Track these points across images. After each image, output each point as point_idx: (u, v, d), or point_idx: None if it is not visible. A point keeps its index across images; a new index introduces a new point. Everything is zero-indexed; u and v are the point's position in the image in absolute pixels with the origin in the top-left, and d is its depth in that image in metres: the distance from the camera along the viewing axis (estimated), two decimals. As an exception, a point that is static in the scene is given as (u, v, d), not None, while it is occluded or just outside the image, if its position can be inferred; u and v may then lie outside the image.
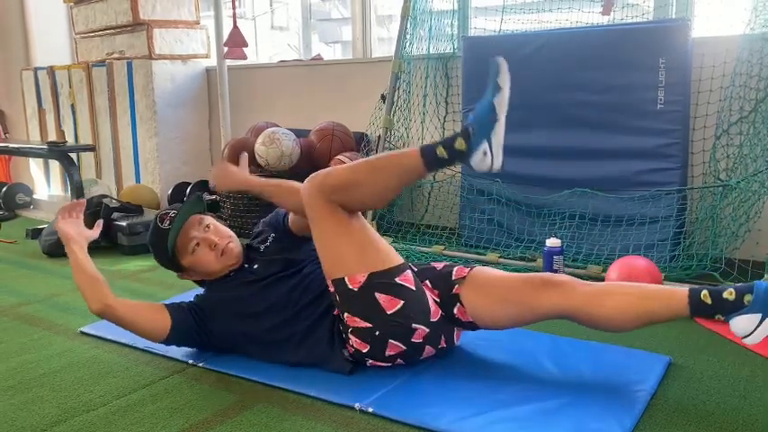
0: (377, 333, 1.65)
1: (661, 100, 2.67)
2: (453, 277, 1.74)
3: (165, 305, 1.84)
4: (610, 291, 1.62)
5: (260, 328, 1.81)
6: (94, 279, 1.77)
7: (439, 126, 3.45)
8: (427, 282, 1.75)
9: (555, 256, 2.52)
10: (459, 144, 1.64)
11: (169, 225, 1.85)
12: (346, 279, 1.66)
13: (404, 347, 1.67)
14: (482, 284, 1.71)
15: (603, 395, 1.58)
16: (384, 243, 1.75)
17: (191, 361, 1.86)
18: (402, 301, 1.64)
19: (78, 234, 1.87)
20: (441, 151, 1.63)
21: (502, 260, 2.80)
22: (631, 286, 1.64)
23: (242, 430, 1.50)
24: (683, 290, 1.54)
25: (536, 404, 1.55)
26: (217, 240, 1.88)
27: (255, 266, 1.91)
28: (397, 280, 1.66)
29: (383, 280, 1.64)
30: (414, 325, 1.65)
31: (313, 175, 1.74)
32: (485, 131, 1.70)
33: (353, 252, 1.67)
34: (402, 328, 1.65)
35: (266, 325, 1.81)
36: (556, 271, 2.52)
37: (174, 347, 1.89)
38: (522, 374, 1.72)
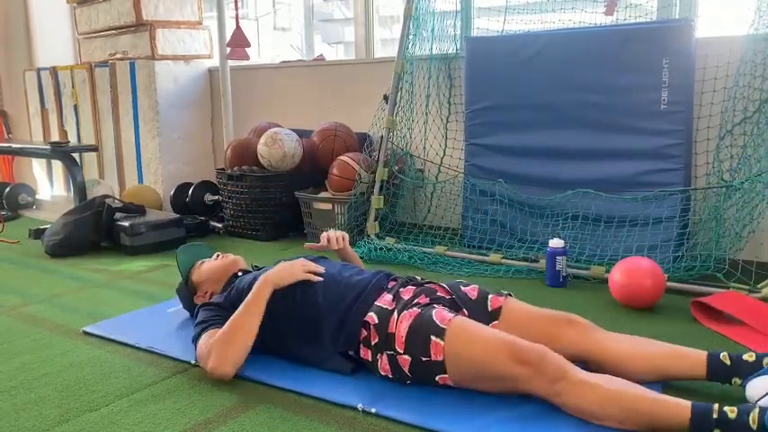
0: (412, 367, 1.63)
1: (664, 100, 2.66)
2: (490, 308, 1.75)
3: (213, 327, 1.82)
4: (628, 345, 1.64)
5: (271, 313, 1.80)
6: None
7: (442, 126, 3.44)
8: (465, 310, 1.74)
9: (558, 257, 2.52)
10: None
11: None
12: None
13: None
14: (515, 321, 1.71)
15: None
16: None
17: (193, 361, 1.86)
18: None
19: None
20: None
21: (505, 261, 2.79)
22: (651, 343, 1.65)
23: (244, 431, 1.50)
24: (701, 351, 1.56)
25: (540, 404, 1.54)
26: (220, 254, 2.18)
27: (265, 267, 2.03)
28: None
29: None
30: None
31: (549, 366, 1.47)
32: None
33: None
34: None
35: (277, 312, 1.80)
36: (558, 272, 2.52)
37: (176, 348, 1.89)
38: None
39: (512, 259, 2.80)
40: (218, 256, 2.18)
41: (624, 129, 2.75)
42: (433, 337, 1.56)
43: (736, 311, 2.06)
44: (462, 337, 1.54)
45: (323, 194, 3.39)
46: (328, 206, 3.32)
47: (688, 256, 2.56)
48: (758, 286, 2.28)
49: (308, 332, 1.78)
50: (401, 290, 1.76)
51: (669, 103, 2.66)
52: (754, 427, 1.25)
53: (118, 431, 1.51)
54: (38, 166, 5.21)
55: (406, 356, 1.60)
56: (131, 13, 4.11)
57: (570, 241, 2.73)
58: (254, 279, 1.87)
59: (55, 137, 4.81)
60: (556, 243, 2.53)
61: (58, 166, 4.88)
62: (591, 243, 2.74)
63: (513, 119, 3.05)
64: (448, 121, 3.44)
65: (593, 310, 2.26)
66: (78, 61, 4.85)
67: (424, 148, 3.47)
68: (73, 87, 4.65)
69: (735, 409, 1.29)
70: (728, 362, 1.51)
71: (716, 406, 1.31)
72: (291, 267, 1.84)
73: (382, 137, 3.32)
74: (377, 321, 1.66)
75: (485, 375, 1.52)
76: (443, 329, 1.56)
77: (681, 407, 1.34)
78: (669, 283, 2.39)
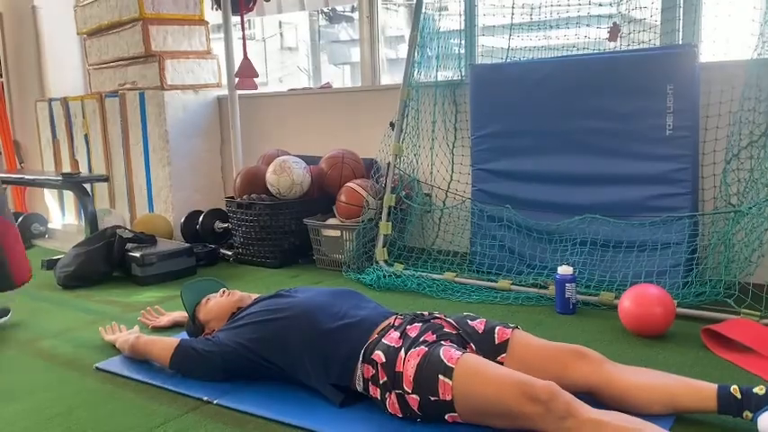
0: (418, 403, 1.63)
1: (670, 126, 2.67)
2: (497, 341, 1.75)
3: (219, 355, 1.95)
4: (638, 378, 1.64)
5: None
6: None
7: (448, 152, 3.46)
8: (472, 345, 1.75)
9: (567, 284, 2.52)
10: None
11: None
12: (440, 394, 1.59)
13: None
14: (523, 355, 1.71)
15: None
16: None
17: (206, 398, 1.87)
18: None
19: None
20: None
21: (514, 287, 2.80)
22: (661, 376, 1.66)
23: (257, 471, 1.50)
24: (711, 385, 1.57)
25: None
26: (226, 290, 2.22)
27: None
28: None
29: None
30: None
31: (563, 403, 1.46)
32: None
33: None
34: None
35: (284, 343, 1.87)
36: (568, 299, 2.52)
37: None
38: None
39: (521, 285, 2.80)
40: (223, 292, 2.20)
41: (630, 154, 2.77)
42: (441, 377, 1.56)
43: (748, 339, 2.05)
44: (471, 376, 1.55)
45: (331, 221, 3.41)
46: (337, 233, 3.34)
47: (697, 282, 2.55)
48: (769, 312, 2.27)
49: (308, 360, 1.82)
50: (408, 327, 1.76)
51: (675, 128, 2.67)
52: None
53: (132, 473, 1.52)
54: (50, 195, 5.27)
55: (415, 396, 1.60)
56: (140, 45, 4.17)
57: (579, 267, 2.73)
58: (254, 304, 2.04)
59: (66, 167, 4.87)
60: (565, 270, 2.53)
61: (69, 195, 4.93)
62: (600, 269, 2.74)
63: (519, 145, 3.07)
64: (454, 147, 3.46)
65: (603, 337, 2.25)
66: (89, 92, 4.92)
67: (431, 173, 3.49)
68: (83, 117, 4.71)
69: None
70: (739, 395, 1.51)
71: None
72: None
73: (389, 163, 3.35)
74: (384, 360, 1.67)
75: (494, 413, 1.52)
76: (452, 369, 1.56)
77: None
78: (679, 309, 2.38)
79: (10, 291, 2.67)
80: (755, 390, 1.50)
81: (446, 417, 1.59)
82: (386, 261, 3.19)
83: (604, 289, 2.63)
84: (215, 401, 1.85)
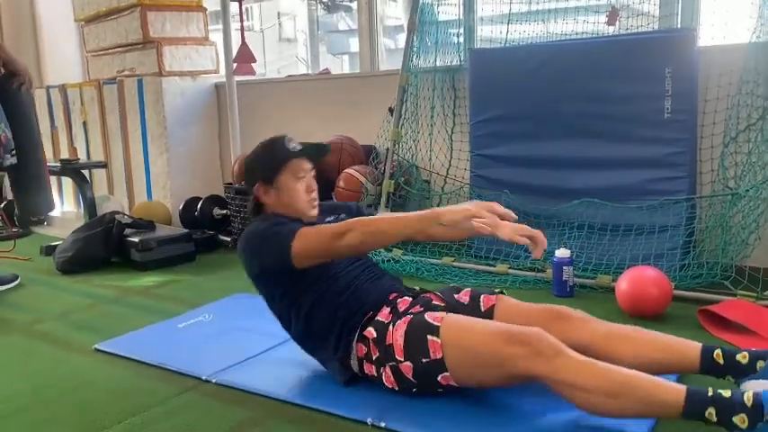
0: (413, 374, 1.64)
1: (668, 109, 2.67)
2: (483, 309, 1.76)
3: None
4: (623, 334, 1.63)
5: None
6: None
7: (447, 138, 3.46)
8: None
9: (564, 267, 2.53)
10: (740, 420, 1.29)
11: (295, 146, 1.83)
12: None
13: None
14: (509, 318, 1.69)
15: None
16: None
17: (204, 377, 1.88)
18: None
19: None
20: (710, 413, 1.31)
21: (511, 271, 2.81)
22: (645, 333, 1.65)
23: (255, 446, 1.52)
24: (695, 345, 1.56)
25: (550, 419, 1.55)
26: (315, 189, 1.87)
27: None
28: None
29: None
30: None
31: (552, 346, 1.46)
32: None
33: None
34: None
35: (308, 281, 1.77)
36: (565, 282, 2.53)
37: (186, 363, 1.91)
38: (525, 398, 1.67)
39: (518, 269, 2.81)
40: (309, 187, 1.85)
41: (629, 138, 2.77)
42: (429, 337, 1.58)
43: (744, 319, 2.06)
44: (457, 331, 1.57)
45: (330, 207, 3.41)
46: (335, 219, 3.34)
47: (695, 264, 2.56)
48: (765, 293, 2.28)
49: (322, 327, 1.77)
50: (398, 302, 1.78)
51: (673, 111, 2.67)
52: (749, 404, 1.27)
53: (131, 448, 1.54)
54: (48, 182, 5.26)
55: (408, 363, 1.61)
56: (138, 31, 4.16)
57: (576, 251, 2.74)
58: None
59: (65, 153, 4.86)
60: (562, 253, 2.54)
61: (68, 182, 4.92)
62: (597, 252, 2.75)
63: (518, 129, 3.07)
64: (453, 133, 3.46)
65: (600, 319, 2.26)
66: (87, 79, 4.91)
67: (430, 159, 3.49)
68: (82, 105, 4.70)
69: (729, 390, 1.32)
70: (721, 360, 1.51)
71: (710, 388, 1.33)
72: (468, 212, 1.54)
73: (388, 149, 3.35)
74: (375, 336, 1.68)
75: (484, 363, 1.52)
76: (437, 327, 1.58)
77: (676, 386, 1.36)
78: (676, 291, 2.40)
79: None
80: (738, 357, 1.49)
81: (439, 379, 1.59)
82: (385, 247, 3.19)
83: (602, 272, 2.64)
84: (214, 380, 1.86)
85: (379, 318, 1.72)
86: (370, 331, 1.70)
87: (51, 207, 3.36)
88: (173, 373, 1.94)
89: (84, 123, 4.73)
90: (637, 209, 2.72)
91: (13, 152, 2.86)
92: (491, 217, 1.53)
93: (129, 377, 1.94)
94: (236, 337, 2.22)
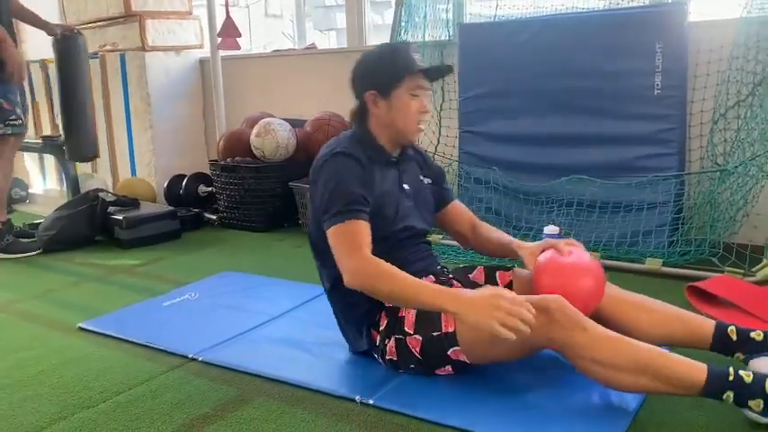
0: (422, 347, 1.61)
1: (658, 85, 2.66)
2: (500, 285, 1.73)
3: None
4: (637, 302, 1.63)
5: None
6: None
7: (435, 114, 3.43)
8: None
9: (553, 244, 2.51)
10: (756, 405, 1.31)
11: (420, 58, 1.75)
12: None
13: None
14: (530, 290, 1.62)
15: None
16: None
17: (190, 355, 1.86)
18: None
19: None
20: (728, 395, 1.32)
21: (500, 248, 2.79)
22: (661, 303, 1.64)
23: (242, 424, 1.50)
24: (709, 320, 1.56)
25: (540, 392, 1.55)
26: (429, 111, 1.79)
27: (406, 186, 1.79)
28: None
29: None
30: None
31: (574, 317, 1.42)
32: None
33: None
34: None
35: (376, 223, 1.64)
36: (554, 258, 2.51)
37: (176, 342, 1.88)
38: (512, 376, 1.67)
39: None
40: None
41: (618, 114, 2.75)
42: None
43: (731, 295, 2.07)
44: None
45: (317, 184, 3.38)
46: (323, 196, 3.31)
47: (683, 241, 2.56)
48: (752, 270, 2.29)
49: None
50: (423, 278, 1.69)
51: (663, 87, 2.65)
52: None
53: (116, 427, 1.51)
54: (30, 160, 5.17)
55: (417, 336, 1.59)
56: (120, 4, 4.06)
57: (565, 228, 2.73)
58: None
59: (47, 130, 4.77)
60: (551, 230, 2.50)
61: (50, 159, 4.84)
62: (586, 229, 2.74)
63: (507, 105, 3.04)
64: (441, 109, 3.42)
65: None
66: (68, 53, 4.79)
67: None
68: (63, 80, 4.60)
69: (750, 374, 1.31)
70: (735, 336, 1.51)
71: (731, 368, 1.32)
72: (495, 311, 1.38)
73: (376, 125, 3.30)
74: (389, 305, 1.65)
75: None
76: None
77: (698, 365, 1.35)
78: (664, 268, 2.41)
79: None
80: (752, 335, 1.50)
81: (449, 353, 1.56)
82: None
83: (590, 249, 2.63)
84: (200, 358, 1.84)
85: None
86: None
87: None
88: (158, 352, 1.91)
89: (66, 99, 4.62)
90: (626, 185, 2.70)
91: (10, 121, 3.12)
92: (517, 313, 1.38)
93: (114, 356, 1.91)
94: (222, 315, 2.19)
